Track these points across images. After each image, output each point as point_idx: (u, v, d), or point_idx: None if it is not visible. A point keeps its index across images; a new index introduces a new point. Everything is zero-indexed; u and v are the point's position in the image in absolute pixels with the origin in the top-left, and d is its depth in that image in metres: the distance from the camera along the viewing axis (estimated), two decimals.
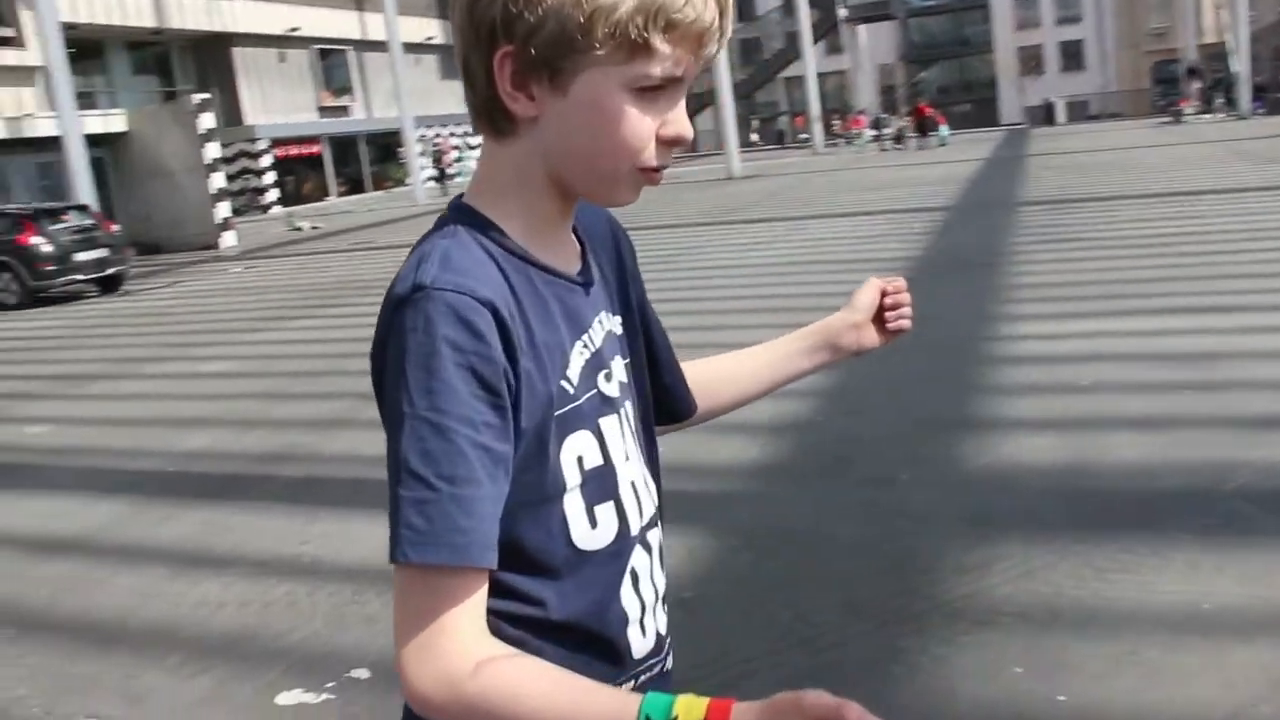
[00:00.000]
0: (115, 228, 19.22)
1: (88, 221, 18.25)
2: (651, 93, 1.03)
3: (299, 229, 28.52)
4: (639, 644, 1.14)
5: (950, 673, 3.24)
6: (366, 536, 4.72)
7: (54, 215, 18.05)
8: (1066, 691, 3.07)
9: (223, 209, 25.64)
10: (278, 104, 39.89)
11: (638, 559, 1.15)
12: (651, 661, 1.17)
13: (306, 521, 5.21)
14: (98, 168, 23.54)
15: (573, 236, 1.17)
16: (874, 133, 42.26)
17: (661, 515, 1.26)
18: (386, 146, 44.46)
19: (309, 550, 4.86)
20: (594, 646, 1.10)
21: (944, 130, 38.19)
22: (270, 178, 38.97)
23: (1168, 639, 3.32)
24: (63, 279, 17.50)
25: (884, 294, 1.45)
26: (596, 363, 1.11)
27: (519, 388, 1.01)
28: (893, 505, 4.75)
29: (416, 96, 37.62)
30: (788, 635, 3.61)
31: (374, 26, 39.94)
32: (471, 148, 43.55)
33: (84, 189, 20.49)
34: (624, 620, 1.12)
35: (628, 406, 1.17)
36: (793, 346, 1.45)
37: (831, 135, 46.41)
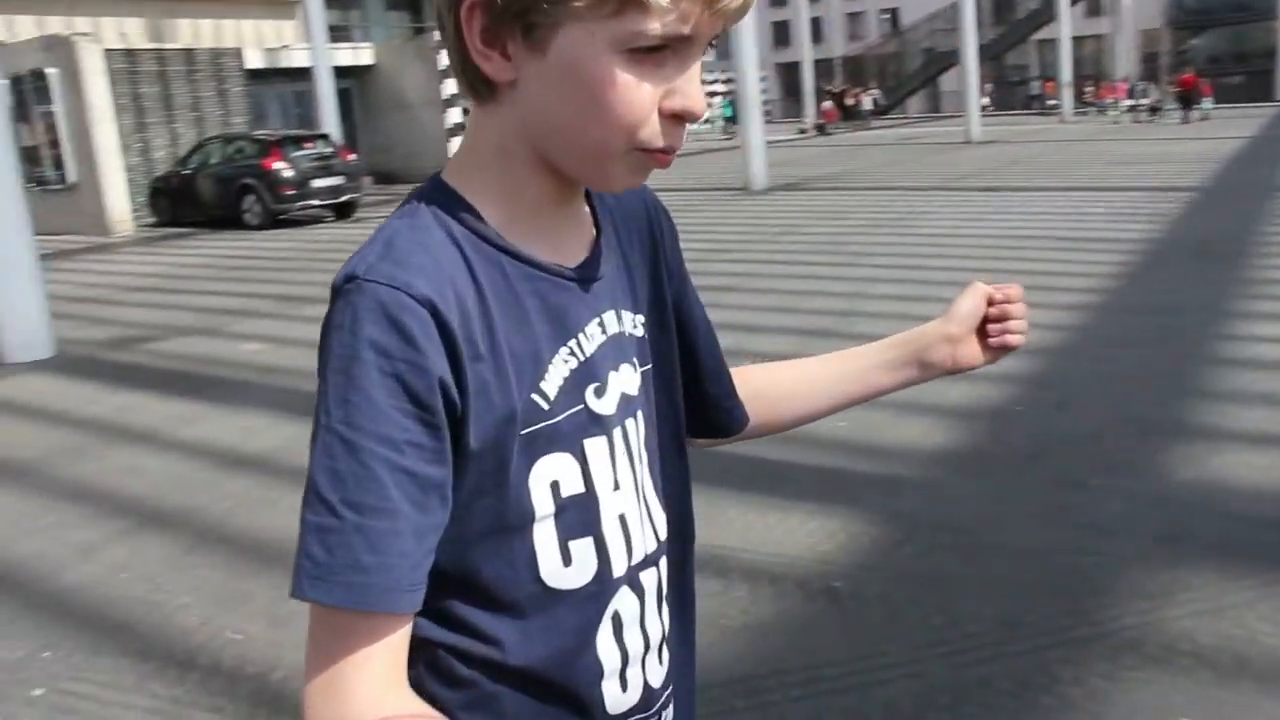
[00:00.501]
0: (352, 157, 20.12)
1: (328, 150, 19.21)
2: (652, 55, 0.84)
3: None
4: (616, 699, 0.98)
5: (1106, 711, 2.92)
6: None
7: (298, 142, 19.06)
8: None
9: (456, 143, 26.45)
10: None
11: (623, 603, 0.98)
12: (637, 717, 1.00)
13: None
14: (344, 98, 24.70)
15: (583, 221, 1.00)
16: (1129, 102, 39.62)
17: (685, 548, 1.09)
18: None
19: None
20: (557, 696, 0.94)
21: (1206, 103, 35.42)
22: None
23: None
24: (300, 203, 18.50)
25: (990, 303, 1.21)
26: (585, 374, 0.94)
27: (465, 402, 0.86)
28: (1078, 512, 4.37)
29: None
30: (935, 643, 3.36)
31: None
32: (720, 94, 43.56)
33: (329, 118, 21.56)
34: (597, 672, 0.96)
35: (630, 425, 1.00)
36: (874, 358, 1.23)
37: (1082, 103, 43.81)
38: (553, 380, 0.91)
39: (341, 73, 24.74)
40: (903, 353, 1.22)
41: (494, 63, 0.87)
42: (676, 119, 0.87)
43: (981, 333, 1.22)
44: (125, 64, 21.35)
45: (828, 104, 43.48)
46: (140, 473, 5.59)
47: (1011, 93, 58.14)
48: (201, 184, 19.39)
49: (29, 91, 20.00)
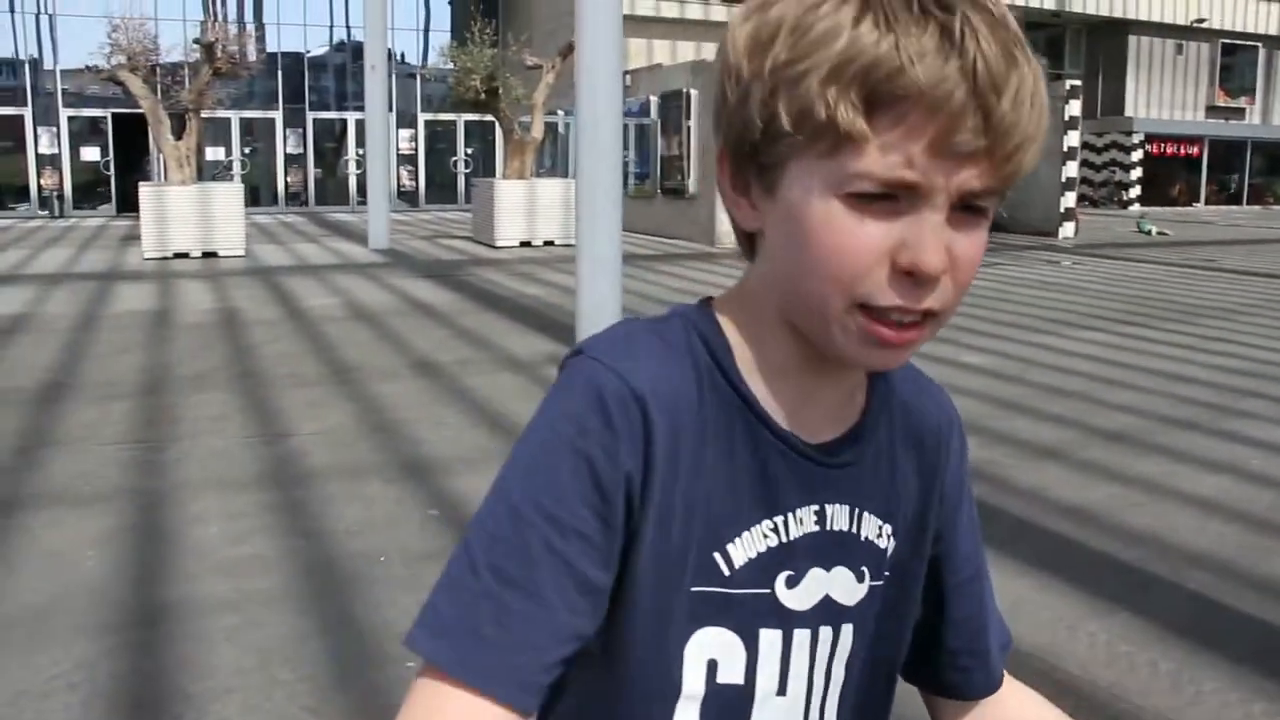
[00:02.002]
0: None
1: None
2: (880, 204, 0.75)
3: (1146, 232, 27.14)
4: None
5: None
6: None
7: None
8: None
9: (1068, 199, 25.31)
10: (1163, 97, 38.07)
11: None
12: None
13: None
14: None
15: (844, 399, 0.91)
16: None
17: None
18: (1278, 158, 40.18)
19: None
20: None
21: None
22: (1137, 174, 37.45)
23: None
24: None
25: None
26: (781, 558, 0.86)
27: (645, 515, 0.79)
28: None
29: None
30: None
31: None
32: None
33: None
34: None
35: (825, 633, 0.89)
36: None
37: None
38: (741, 548, 0.84)
39: None
40: None
41: (742, 210, 0.85)
42: (907, 275, 0.76)
43: None
44: None
45: None
46: None
47: None
48: None
49: (673, 109, 22.24)
